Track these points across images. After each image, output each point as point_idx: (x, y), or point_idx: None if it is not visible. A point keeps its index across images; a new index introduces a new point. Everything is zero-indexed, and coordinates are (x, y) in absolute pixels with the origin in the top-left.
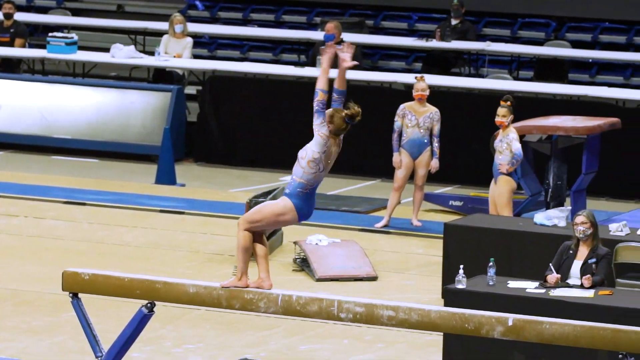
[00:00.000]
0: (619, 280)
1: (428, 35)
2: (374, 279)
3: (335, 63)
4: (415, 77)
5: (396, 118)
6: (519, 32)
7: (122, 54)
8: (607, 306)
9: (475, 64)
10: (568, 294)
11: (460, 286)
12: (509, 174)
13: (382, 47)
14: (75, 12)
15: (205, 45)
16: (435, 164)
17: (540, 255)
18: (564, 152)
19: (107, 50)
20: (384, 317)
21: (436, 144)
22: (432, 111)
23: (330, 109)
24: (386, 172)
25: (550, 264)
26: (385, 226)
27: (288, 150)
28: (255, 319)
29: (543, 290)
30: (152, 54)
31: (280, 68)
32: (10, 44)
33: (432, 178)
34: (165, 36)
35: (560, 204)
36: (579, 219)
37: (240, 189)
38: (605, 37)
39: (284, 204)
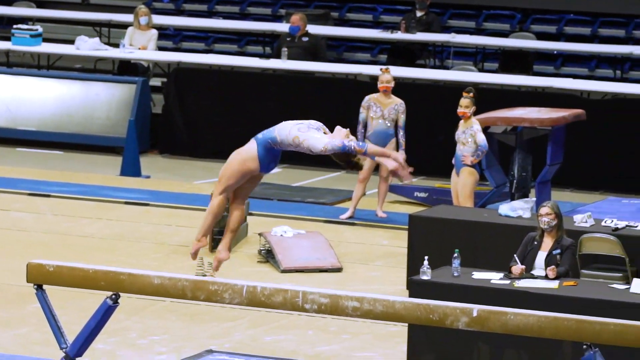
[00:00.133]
0: (583, 271)
1: (393, 27)
2: (338, 270)
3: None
4: (381, 69)
5: (361, 110)
6: (483, 24)
7: (87, 46)
8: (572, 297)
9: (440, 55)
10: (532, 285)
11: (425, 277)
12: (472, 166)
13: (347, 39)
14: (40, 4)
15: (170, 38)
16: (401, 155)
17: (504, 246)
18: (528, 143)
19: (72, 42)
20: (348, 308)
21: (402, 136)
22: (397, 103)
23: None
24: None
25: (515, 255)
26: (350, 218)
27: None
28: (220, 310)
29: (508, 281)
30: (117, 46)
31: (245, 60)
32: None
33: None
34: (130, 28)
35: (525, 195)
36: (544, 210)
37: (205, 180)
38: (570, 29)
39: (248, 147)
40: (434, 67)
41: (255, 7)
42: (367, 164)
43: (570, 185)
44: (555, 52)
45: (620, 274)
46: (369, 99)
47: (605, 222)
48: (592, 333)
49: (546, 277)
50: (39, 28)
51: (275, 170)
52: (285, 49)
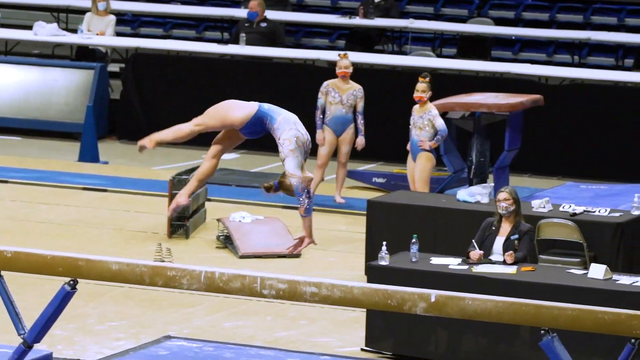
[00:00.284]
0: (541, 256)
1: (351, 12)
2: (297, 256)
3: None
4: (339, 55)
5: (319, 95)
6: (442, 10)
7: (45, 31)
8: (530, 282)
9: (398, 41)
10: (491, 270)
11: (383, 263)
12: (430, 151)
13: (306, 24)
14: None
15: (128, 23)
16: (361, 141)
17: (463, 231)
18: (486, 129)
19: (29, 27)
20: (306, 294)
21: (361, 122)
22: (356, 88)
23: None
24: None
25: (473, 241)
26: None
27: None
28: (179, 295)
29: (466, 267)
30: (75, 31)
31: (203, 46)
32: None
33: (355, 155)
34: (88, 14)
35: (483, 180)
36: (502, 195)
37: (164, 166)
38: (528, 15)
39: (247, 104)
40: (392, 52)
41: None
42: (325, 149)
43: (528, 171)
44: (513, 37)
45: (578, 259)
46: (327, 84)
47: (563, 207)
48: (549, 318)
49: (504, 263)
50: None
51: (234, 155)
52: (244, 35)
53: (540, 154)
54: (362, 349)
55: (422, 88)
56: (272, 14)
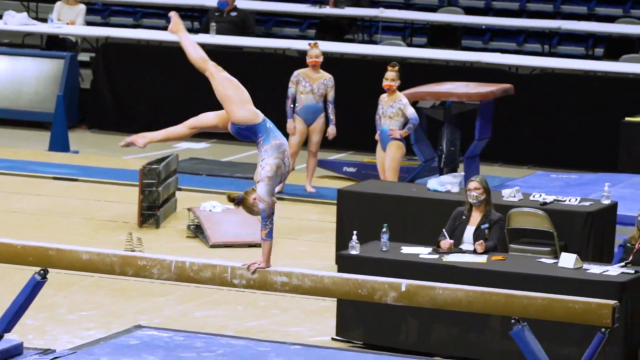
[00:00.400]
0: (511, 245)
1: (322, 1)
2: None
3: None
4: (309, 44)
5: (290, 85)
6: None
7: (15, 20)
8: (500, 271)
9: (368, 30)
10: (461, 260)
11: (353, 252)
12: (400, 139)
13: (276, 13)
14: None
15: (98, 12)
16: (332, 130)
17: (433, 221)
18: (457, 118)
19: None
20: (277, 284)
21: (331, 111)
22: (326, 78)
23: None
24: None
25: (444, 230)
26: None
27: (181, 117)
28: (150, 285)
29: (436, 256)
30: (45, 20)
31: (173, 35)
32: None
33: (325, 144)
34: (58, 3)
35: (453, 170)
36: (472, 184)
37: (134, 155)
38: (498, 4)
39: (254, 108)
40: (363, 42)
41: None
42: (296, 138)
43: (499, 160)
44: (483, 26)
45: (549, 248)
46: (297, 73)
47: (533, 196)
48: (520, 307)
49: (474, 252)
50: None
51: (204, 145)
52: (214, 24)
53: (511, 143)
54: (332, 338)
55: (391, 77)
56: (242, 3)
